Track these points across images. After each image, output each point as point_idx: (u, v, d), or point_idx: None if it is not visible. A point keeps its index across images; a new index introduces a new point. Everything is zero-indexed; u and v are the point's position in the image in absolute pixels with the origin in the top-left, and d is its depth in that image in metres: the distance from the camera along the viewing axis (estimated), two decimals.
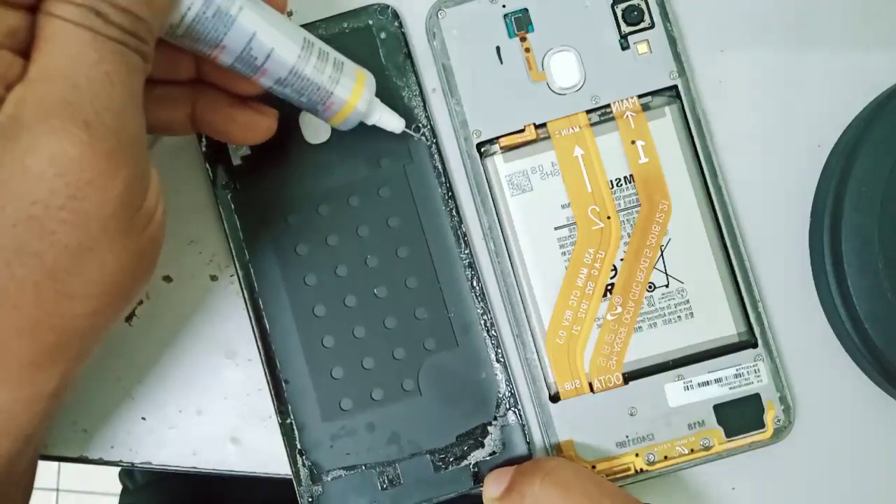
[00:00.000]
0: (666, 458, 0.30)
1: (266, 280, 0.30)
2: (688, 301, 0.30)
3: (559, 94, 0.30)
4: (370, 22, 0.31)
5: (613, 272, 0.30)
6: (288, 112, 0.30)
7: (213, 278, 0.32)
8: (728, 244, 0.30)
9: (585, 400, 0.30)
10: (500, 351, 0.30)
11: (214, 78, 0.27)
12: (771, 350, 0.30)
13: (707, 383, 0.30)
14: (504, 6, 0.31)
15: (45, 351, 0.21)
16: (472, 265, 0.30)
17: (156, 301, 0.32)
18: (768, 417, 0.30)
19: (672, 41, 0.30)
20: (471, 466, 0.30)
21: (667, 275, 0.30)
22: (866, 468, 0.31)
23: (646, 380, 0.30)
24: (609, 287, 0.30)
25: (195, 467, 0.31)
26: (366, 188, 0.31)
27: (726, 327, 0.30)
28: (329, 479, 0.30)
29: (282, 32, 0.25)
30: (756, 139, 0.31)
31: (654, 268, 0.30)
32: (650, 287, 0.30)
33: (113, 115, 0.20)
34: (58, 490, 1.00)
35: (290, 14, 0.31)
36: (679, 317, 0.30)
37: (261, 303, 0.30)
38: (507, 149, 0.30)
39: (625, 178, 0.30)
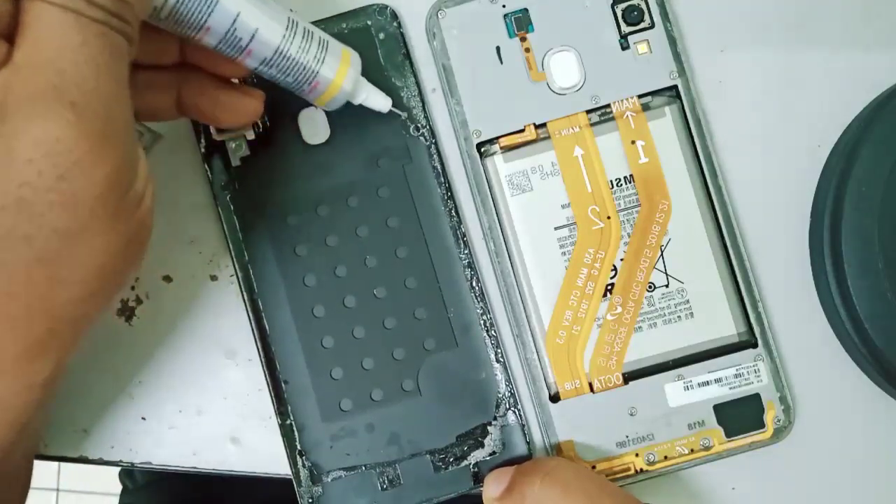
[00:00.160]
0: (666, 458, 0.30)
1: (265, 280, 0.30)
2: (688, 301, 0.30)
3: (559, 94, 0.30)
4: (369, 22, 0.31)
5: (613, 272, 0.30)
6: (287, 113, 0.31)
7: (213, 278, 0.32)
8: (728, 244, 0.30)
9: (585, 400, 0.30)
10: (499, 351, 0.30)
11: (199, 61, 0.26)
12: (771, 350, 0.30)
13: (707, 383, 0.30)
14: (504, 6, 0.30)
15: (38, 338, 0.21)
16: (471, 265, 0.30)
17: (156, 301, 0.32)
18: (768, 417, 0.30)
19: (672, 41, 0.30)
20: (471, 466, 0.30)
21: (667, 275, 0.30)
22: (866, 468, 0.31)
23: (646, 380, 0.30)
24: (609, 287, 0.30)
25: (195, 467, 0.31)
26: (365, 188, 0.30)
27: (726, 327, 0.30)
28: (329, 479, 0.30)
29: (265, 13, 0.25)
30: (756, 139, 0.31)
31: (654, 268, 0.30)
32: (650, 287, 0.30)
33: (99, 97, 0.20)
34: (58, 490, 1.00)
35: None
36: (679, 317, 0.30)
37: (260, 303, 0.30)
38: (507, 149, 0.30)
39: (625, 178, 0.30)
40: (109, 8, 0.20)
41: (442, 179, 0.31)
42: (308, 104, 0.30)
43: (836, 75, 0.31)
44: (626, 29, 0.30)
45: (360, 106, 0.29)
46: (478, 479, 0.30)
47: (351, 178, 0.31)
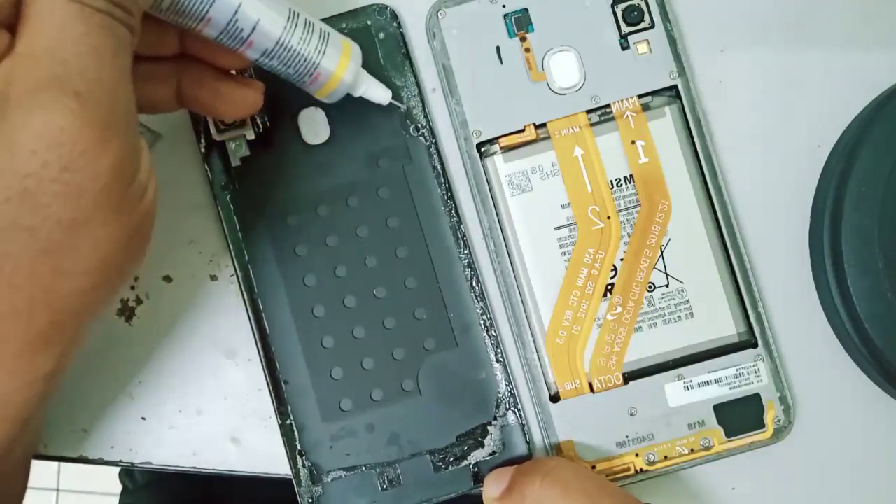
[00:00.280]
0: (666, 458, 0.30)
1: (265, 281, 0.30)
2: (688, 301, 0.30)
3: (559, 94, 0.30)
4: (368, 22, 0.31)
5: (613, 272, 0.30)
6: (287, 112, 0.31)
7: (213, 278, 0.32)
8: (728, 244, 0.30)
9: (585, 400, 0.30)
10: (499, 351, 0.30)
11: (199, 52, 0.26)
12: (771, 350, 0.30)
13: (707, 383, 0.30)
14: (504, 6, 0.30)
15: (41, 331, 0.21)
16: (471, 265, 0.30)
17: (156, 301, 0.32)
18: (768, 417, 0.30)
19: (672, 41, 0.30)
20: (471, 466, 0.30)
21: (667, 275, 0.30)
22: (866, 468, 0.31)
23: (646, 380, 0.30)
24: (609, 287, 0.30)
25: (195, 467, 0.31)
26: (365, 188, 0.30)
27: (726, 327, 0.30)
28: (329, 479, 0.30)
29: (267, 4, 0.25)
30: (756, 139, 0.31)
31: (654, 268, 0.30)
32: (650, 287, 0.30)
33: (103, 87, 0.20)
34: (58, 490, 1.00)
35: None
36: (679, 317, 0.30)
37: (260, 303, 0.30)
38: (507, 149, 0.30)
39: (625, 178, 0.30)
40: None
41: (442, 179, 0.31)
42: (308, 104, 0.30)
43: (836, 75, 0.31)
44: (626, 29, 0.30)
45: (360, 105, 0.29)
46: (478, 479, 0.30)
47: (351, 178, 0.31)
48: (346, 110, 0.30)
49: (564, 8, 0.30)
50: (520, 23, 0.31)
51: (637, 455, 0.30)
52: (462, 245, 0.30)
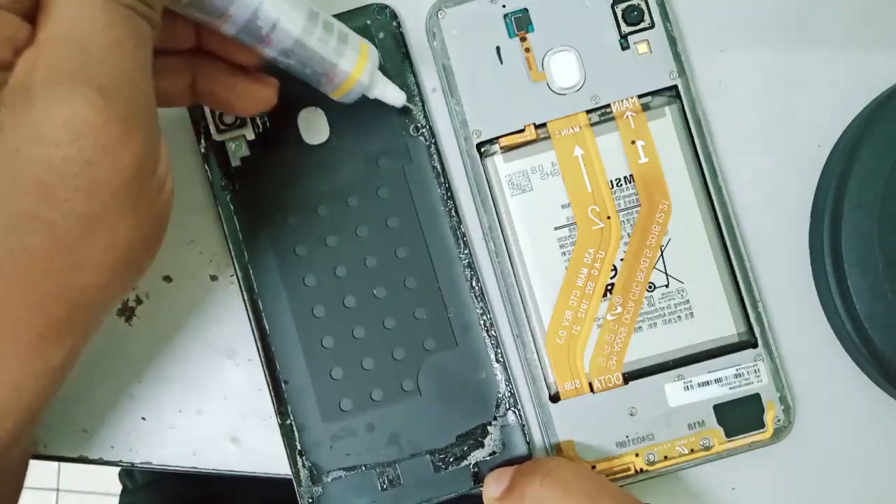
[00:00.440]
0: (666, 458, 0.30)
1: (265, 281, 0.30)
2: (688, 301, 0.30)
3: (559, 94, 0.30)
4: (368, 22, 0.31)
5: (613, 272, 0.30)
6: (287, 113, 0.31)
7: (213, 278, 0.32)
8: (728, 244, 0.30)
9: (585, 400, 0.30)
10: (499, 351, 0.30)
11: (214, 47, 0.26)
12: (771, 350, 0.30)
13: (707, 383, 0.30)
14: (504, 6, 0.30)
15: (55, 324, 0.21)
16: (471, 265, 0.30)
17: (156, 301, 0.32)
18: (768, 417, 0.30)
19: (672, 41, 0.30)
20: (471, 466, 0.30)
21: (667, 275, 0.30)
22: (866, 468, 0.31)
23: (646, 380, 0.30)
24: (609, 287, 0.30)
25: (195, 467, 0.31)
26: (365, 188, 0.30)
27: (726, 327, 0.30)
28: (329, 479, 0.30)
29: (287, 3, 0.24)
30: (756, 139, 0.31)
31: (654, 268, 0.30)
32: (650, 287, 0.30)
33: (125, 81, 0.20)
34: (58, 490, 1.00)
35: None
36: (679, 317, 0.30)
37: (260, 303, 0.30)
38: (507, 149, 0.30)
39: (625, 178, 0.30)
40: None
41: (442, 179, 0.31)
42: (308, 104, 0.30)
43: (836, 75, 0.31)
44: (626, 29, 0.30)
45: (360, 106, 0.29)
46: (478, 479, 0.30)
47: (351, 178, 0.31)
48: (346, 110, 0.30)
49: (564, 8, 0.30)
50: (520, 23, 0.31)
51: (637, 455, 0.30)
52: (462, 245, 0.30)
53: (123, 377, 0.31)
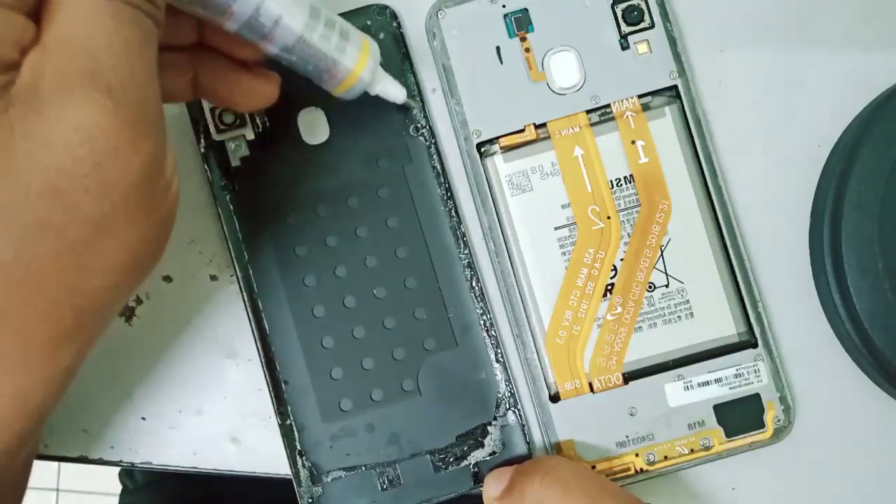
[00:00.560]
0: (666, 458, 0.30)
1: (265, 281, 0.30)
2: (688, 301, 0.30)
3: (559, 94, 0.30)
4: (368, 23, 0.31)
5: (613, 272, 0.30)
6: (287, 112, 0.31)
7: (213, 278, 0.32)
8: (728, 244, 0.30)
9: (585, 400, 0.30)
10: (499, 351, 0.30)
11: (216, 43, 0.26)
12: (771, 350, 0.30)
13: (707, 383, 0.30)
14: (504, 6, 0.30)
15: (63, 329, 0.21)
16: (471, 265, 0.30)
17: (156, 301, 0.32)
18: (768, 417, 0.30)
19: (672, 41, 0.30)
20: (471, 466, 0.30)
21: (667, 275, 0.30)
22: (866, 468, 0.31)
23: (646, 380, 0.30)
24: (609, 287, 0.30)
25: (195, 467, 0.31)
26: (365, 188, 0.30)
27: (726, 327, 0.30)
28: (329, 479, 0.30)
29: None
30: (756, 139, 0.31)
31: (654, 268, 0.30)
32: (650, 287, 0.30)
33: (133, 83, 0.20)
34: (58, 490, 1.00)
35: None
36: (679, 317, 0.30)
37: (260, 304, 0.30)
38: (507, 149, 0.30)
39: (625, 178, 0.30)
40: None
41: (442, 180, 0.31)
42: (308, 104, 0.30)
43: (836, 75, 0.31)
44: (626, 29, 0.30)
45: (361, 105, 0.29)
46: (478, 479, 0.30)
47: (351, 178, 0.31)
48: (346, 111, 0.30)
49: (564, 8, 0.30)
50: (520, 23, 0.31)
51: (637, 455, 0.30)
52: (462, 245, 0.30)
53: (123, 377, 0.31)
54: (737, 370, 0.30)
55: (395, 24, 0.31)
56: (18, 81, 0.19)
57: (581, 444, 0.30)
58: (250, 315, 0.30)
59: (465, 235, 0.30)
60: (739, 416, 0.30)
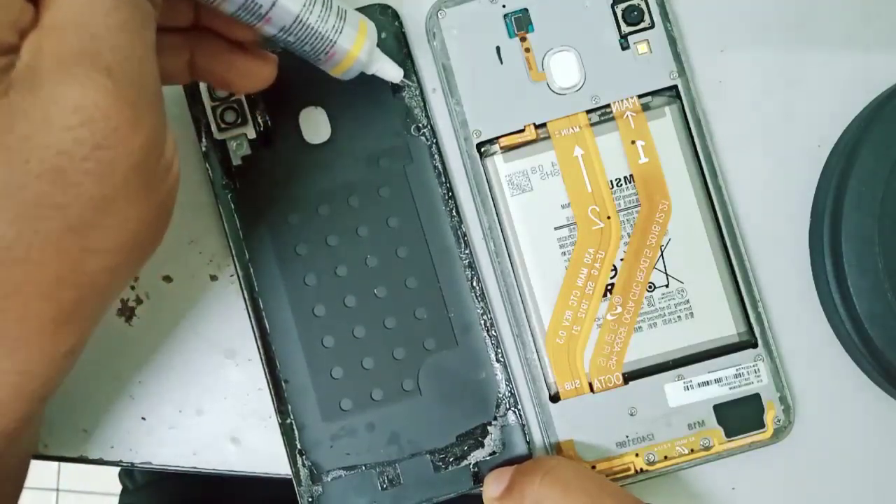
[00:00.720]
0: (666, 458, 0.30)
1: (266, 280, 0.30)
2: (688, 301, 0.30)
3: (559, 94, 0.30)
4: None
5: (613, 272, 0.30)
6: (288, 111, 0.31)
7: (213, 278, 0.32)
8: (728, 244, 0.30)
9: (585, 400, 0.30)
10: (500, 351, 0.30)
11: (213, 24, 0.26)
12: (771, 350, 0.30)
13: (707, 383, 0.30)
14: (504, 6, 0.31)
15: (66, 309, 0.21)
16: (472, 265, 0.30)
17: (156, 301, 0.32)
18: (768, 417, 0.30)
19: (672, 41, 0.30)
20: (471, 466, 0.30)
21: (667, 275, 0.30)
22: (866, 468, 0.31)
23: (646, 380, 0.30)
24: (609, 287, 0.30)
25: (195, 467, 0.31)
26: (366, 188, 0.31)
27: (726, 327, 0.30)
28: (329, 479, 0.30)
29: None
30: (756, 139, 0.31)
31: (654, 268, 0.30)
32: (650, 287, 0.30)
33: (132, 63, 0.20)
34: (58, 490, 1.00)
35: None
36: (679, 317, 0.30)
37: (261, 303, 0.30)
38: (507, 149, 0.30)
39: (625, 178, 0.30)
40: None
41: (443, 179, 0.31)
42: (309, 103, 0.30)
43: (836, 75, 0.31)
44: (626, 29, 0.30)
45: (362, 105, 0.29)
46: (478, 478, 0.30)
47: (352, 177, 0.31)
48: (348, 109, 0.30)
49: (564, 8, 0.30)
50: (520, 23, 0.31)
51: (637, 455, 0.30)
52: (462, 245, 0.30)
53: (123, 377, 0.31)
54: (737, 370, 0.30)
55: (397, 23, 0.31)
56: (18, 64, 0.19)
57: (581, 444, 0.30)
58: (251, 314, 0.30)
59: (465, 235, 0.30)
60: (739, 416, 0.30)
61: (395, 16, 0.31)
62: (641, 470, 0.30)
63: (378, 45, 0.28)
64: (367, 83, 0.29)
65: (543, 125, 0.30)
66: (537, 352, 0.30)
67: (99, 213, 0.20)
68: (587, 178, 0.30)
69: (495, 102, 0.30)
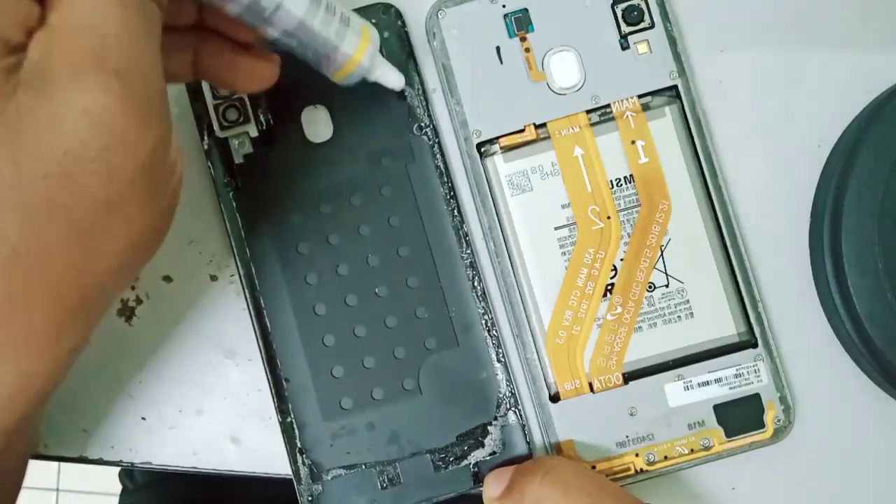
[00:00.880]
0: (666, 458, 0.30)
1: (267, 279, 0.30)
2: (688, 301, 0.30)
3: (559, 94, 0.30)
4: (373, 21, 0.31)
5: (613, 272, 0.30)
6: (290, 110, 0.31)
7: (213, 278, 0.32)
8: (728, 244, 0.30)
9: (585, 400, 0.30)
10: (500, 351, 0.30)
11: (216, 24, 0.26)
12: (771, 350, 0.30)
13: (707, 383, 0.30)
14: (504, 6, 0.31)
15: (69, 310, 0.21)
16: (473, 265, 0.30)
17: (156, 301, 0.32)
18: (768, 417, 0.30)
19: (672, 41, 0.30)
20: (471, 466, 0.30)
21: (667, 275, 0.30)
22: (866, 468, 0.31)
23: (646, 380, 0.30)
24: (609, 287, 0.30)
25: (195, 467, 0.31)
26: (367, 187, 0.31)
27: (726, 327, 0.30)
28: (329, 477, 0.30)
29: None
30: (756, 139, 0.31)
31: (654, 268, 0.30)
32: (650, 287, 0.30)
33: (139, 65, 0.20)
34: (58, 490, 1.00)
35: None
36: (679, 317, 0.30)
37: (262, 301, 0.30)
38: (507, 149, 0.31)
39: (625, 178, 0.30)
40: None
41: (444, 179, 0.31)
42: (311, 102, 0.31)
43: (836, 75, 0.31)
44: (626, 29, 0.30)
45: (364, 104, 0.29)
46: (478, 478, 0.30)
47: (354, 176, 0.31)
48: (350, 109, 0.30)
49: (564, 8, 0.30)
50: (520, 23, 0.31)
51: (637, 455, 0.30)
52: (464, 244, 0.30)
53: (123, 377, 0.31)
54: (737, 370, 0.30)
55: (399, 22, 0.31)
56: (26, 64, 0.19)
57: (581, 444, 0.30)
58: (252, 312, 0.30)
59: (467, 235, 0.31)
60: (739, 416, 0.30)
61: (398, 15, 0.31)
62: (641, 470, 0.30)
63: (381, 45, 0.28)
64: (370, 82, 0.29)
65: (543, 125, 0.30)
66: (537, 352, 0.30)
67: (104, 215, 0.20)
68: (587, 178, 0.30)
69: (495, 102, 0.31)
